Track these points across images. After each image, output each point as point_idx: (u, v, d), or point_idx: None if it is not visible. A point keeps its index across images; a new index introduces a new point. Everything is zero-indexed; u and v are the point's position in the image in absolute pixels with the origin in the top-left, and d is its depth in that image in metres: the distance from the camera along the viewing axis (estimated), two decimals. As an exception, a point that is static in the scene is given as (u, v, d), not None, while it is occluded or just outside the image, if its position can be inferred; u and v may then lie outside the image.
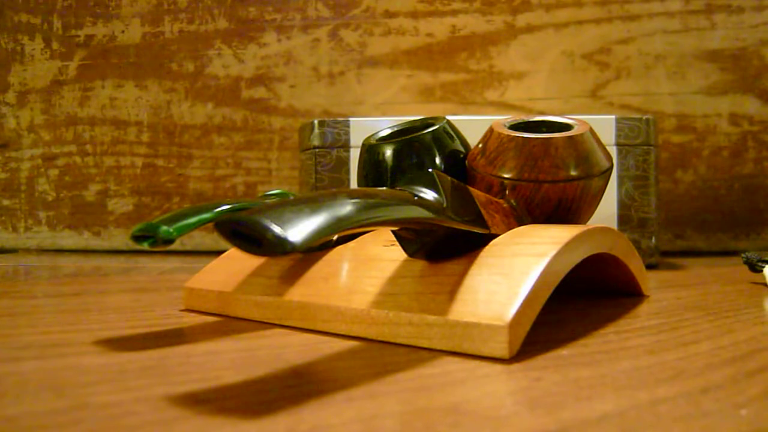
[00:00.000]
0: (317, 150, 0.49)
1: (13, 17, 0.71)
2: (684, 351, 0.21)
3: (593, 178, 0.28)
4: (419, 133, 0.28)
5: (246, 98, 0.69)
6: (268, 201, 0.25)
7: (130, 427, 0.14)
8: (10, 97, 0.72)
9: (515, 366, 0.19)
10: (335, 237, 0.28)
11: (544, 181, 0.27)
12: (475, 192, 0.25)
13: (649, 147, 0.48)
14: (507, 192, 0.28)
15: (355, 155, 0.49)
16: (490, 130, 0.29)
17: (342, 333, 0.24)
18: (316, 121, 0.50)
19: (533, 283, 0.21)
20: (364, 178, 0.28)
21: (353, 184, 0.49)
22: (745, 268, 0.41)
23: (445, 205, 0.22)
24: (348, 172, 0.49)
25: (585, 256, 0.24)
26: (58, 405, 0.16)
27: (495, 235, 0.24)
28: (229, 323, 0.27)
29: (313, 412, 0.15)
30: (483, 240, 0.24)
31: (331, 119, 0.50)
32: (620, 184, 0.48)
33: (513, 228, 0.26)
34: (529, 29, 0.66)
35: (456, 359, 0.20)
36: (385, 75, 0.68)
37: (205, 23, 0.69)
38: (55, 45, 0.71)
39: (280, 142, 0.69)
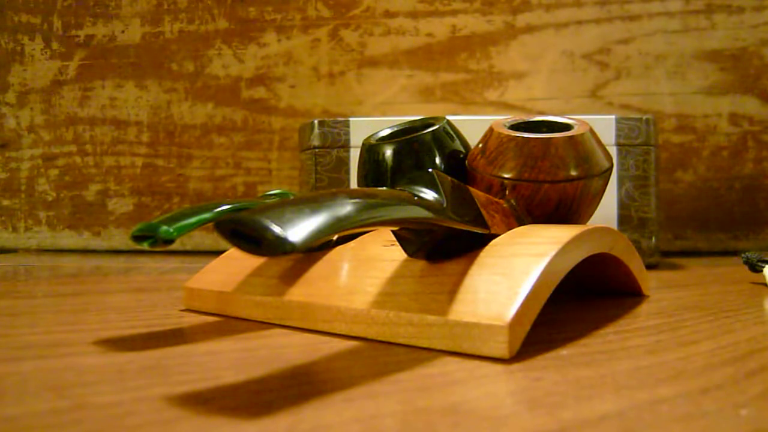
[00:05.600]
0: (317, 150, 0.49)
1: (13, 17, 0.71)
2: (684, 351, 0.21)
3: (593, 178, 0.28)
4: (419, 133, 0.28)
5: (246, 98, 0.69)
6: (268, 201, 0.25)
7: (130, 427, 0.14)
8: (10, 97, 0.72)
9: (515, 366, 0.19)
10: (335, 237, 0.28)
11: (544, 181, 0.27)
12: (475, 192, 0.25)
13: (649, 147, 0.48)
14: (507, 192, 0.28)
15: (355, 155, 0.49)
16: (490, 130, 0.29)
17: (342, 333, 0.24)
18: (316, 121, 0.50)
19: (533, 283, 0.21)
20: (364, 178, 0.28)
21: (353, 184, 0.49)
22: (745, 268, 0.41)
23: (445, 205, 0.22)
24: (348, 172, 0.49)
25: (585, 256, 0.24)
26: (58, 405, 0.16)
27: (495, 235, 0.24)
28: (229, 323, 0.27)
29: (313, 412, 0.15)
30: (483, 240, 0.24)
31: (331, 119, 0.50)
32: (620, 184, 0.48)
33: (513, 228, 0.26)
34: (529, 29, 0.66)
35: (456, 359, 0.20)
36: (385, 75, 0.68)
37: (205, 23, 0.69)
38: (55, 45, 0.71)
39: (280, 142, 0.69)
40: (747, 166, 0.65)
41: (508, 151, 0.28)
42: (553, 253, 0.22)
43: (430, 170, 0.24)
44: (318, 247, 0.28)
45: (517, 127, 0.30)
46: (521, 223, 0.27)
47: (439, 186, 0.23)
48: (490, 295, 0.21)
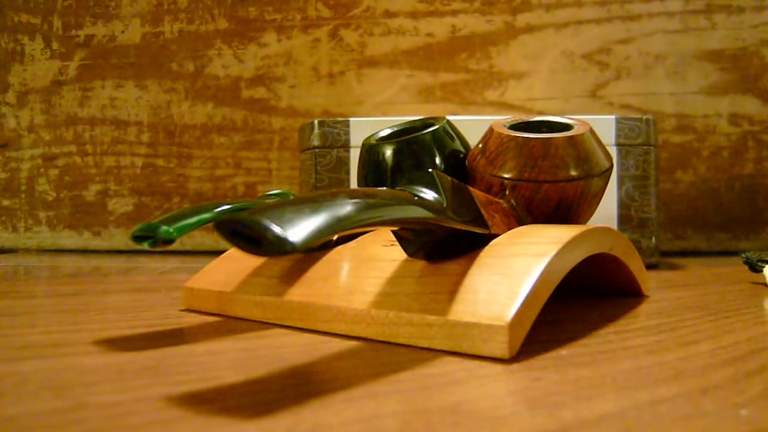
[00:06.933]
0: (317, 150, 0.49)
1: (13, 17, 0.71)
2: (684, 351, 0.21)
3: (593, 178, 0.28)
4: (419, 133, 0.28)
5: (246, 98, 0.69)
6: (268, 201, 0.26)
7: (130, 427, 0.14)
8: (10, 97, 0.72)
9: (515, 366, 0.19)
10: (335, 237, 0.28)
11: (544, 181, 0.27)
12: (475, 192, 0.25)
13: (649, 147, 0.48)
14: (507, 192, 0.28)
15: (355, 155, 0.49)
16: (490, 130, 0.29)
17: (342, 333, 0.24)
18: (316, 121, 0.50)
19: (533, 283, 0.21)
20: (364, 178, 0.28)
21: (353, 184, 0.49)
22: (745, 268, 0.41)
23: (445, 205, 0.22)
24: (348, 172, 0.49)
25: (585, 256, 0.24)
26: (58, 405, 0.16)
27: (495, 235, 0.24)
28: (229, 323, 0.27)
29: (313, 412, 0.15)
30: (483, 240, 0.24)
31: (331, 119, 0.50)
32: (620, 184, 0.48)
33: (513, 228, 0.26)
34: (529, 29, 0.66)
35: (456, 359, 0.20)
36: (385, 75, 0.68)
37: (205, 23, 0.69)
38: (55, 45, 0.71)
39: (280, 142, 0.69)
40: (747, 166, 0.65)
41: (508, 151, 0.28)
42: (553, 253, 0.22)
43: (430, 170, 0.24)
44: (318, 247, 0.28)
45: (517, 127, 0.30)
46: (521, 223, 0.27)
47: (439, 186, 0.23)
48: (490, 295, 0.21)
